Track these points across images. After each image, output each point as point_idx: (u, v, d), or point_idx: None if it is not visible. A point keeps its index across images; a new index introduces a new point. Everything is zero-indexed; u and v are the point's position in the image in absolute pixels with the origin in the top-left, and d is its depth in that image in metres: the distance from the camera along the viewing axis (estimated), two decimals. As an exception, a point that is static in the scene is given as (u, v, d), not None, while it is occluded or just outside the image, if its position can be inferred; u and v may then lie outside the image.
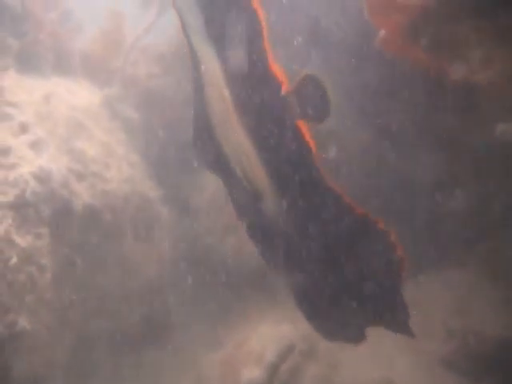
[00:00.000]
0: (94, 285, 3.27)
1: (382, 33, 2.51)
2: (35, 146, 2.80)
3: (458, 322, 3.71)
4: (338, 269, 2.30)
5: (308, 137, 2.11)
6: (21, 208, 2.62)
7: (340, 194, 2.14)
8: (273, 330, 3.65)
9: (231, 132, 2.13)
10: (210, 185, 4.10)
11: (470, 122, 3.02)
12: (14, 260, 2.53)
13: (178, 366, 3.93)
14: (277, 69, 2.07)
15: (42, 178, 2.71)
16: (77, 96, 3.46)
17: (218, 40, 2.09)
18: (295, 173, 2.14)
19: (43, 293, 2.76)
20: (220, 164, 2.24)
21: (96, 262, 3.24)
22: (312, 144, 2.11)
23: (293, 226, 2.23)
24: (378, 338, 2.43)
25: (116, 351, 3.67)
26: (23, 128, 2.80)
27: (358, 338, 2.45)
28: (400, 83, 3.22)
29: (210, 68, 2.09)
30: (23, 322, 2.61)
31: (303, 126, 2.11)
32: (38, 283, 2.71)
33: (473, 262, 3.95)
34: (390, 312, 2.46)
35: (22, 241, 2.58)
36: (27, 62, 3.38)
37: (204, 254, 4.06)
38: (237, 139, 2.13)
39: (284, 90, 2.07)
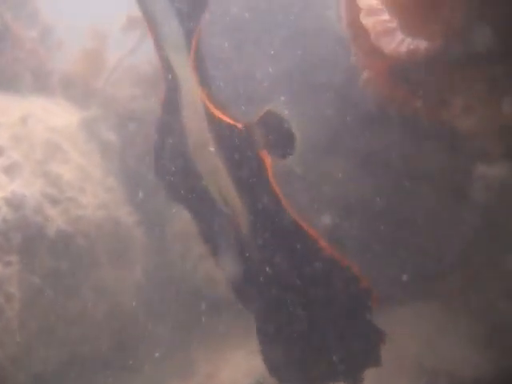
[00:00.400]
0: (63, 312, 3.18)
1: (366, 73, 2.51)
2: (9, 170, 2.72)
3: (429, 360, 3.71)
4: (302, 303, 2.29)
5: (268, 169, 2.11)
6: (-10, 235, 2.54)
7: (302, 226, 2.13)
8: (245, 363, 3.60)
9: (208, 155, 2.12)
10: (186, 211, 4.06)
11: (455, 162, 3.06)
12: (-19, 290, 2.45)
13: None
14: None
15: (15, 204, 2.63)
16: (54, 117, 3.39)
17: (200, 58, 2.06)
18: (260, 200, 2.13)
19: (9, 323, 2.67)
20: (193, 188, 2.23)
21: (67, 289, 3.16)
22: (270, 175, 2.11)
23: (260, 252, 2.22)
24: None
25: (84, 378, 3.58)
26: (-3, 151, 2.72)
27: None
28: (383, 122, 3.23)
29: (191, 90, 2.05)
30: (-14, 353, 2.52)
31: (265, 158, 2.11)
32: (5, 313, 2.62)
33: (447, 292, 3.96)
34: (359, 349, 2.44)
35: (-10, 270, 2.50)
36: (5, 81, 3.31)
37: (178, 281, 4.01)
38: (214, 163, 2.12)
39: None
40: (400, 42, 1.87)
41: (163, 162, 2.20)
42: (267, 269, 2.20)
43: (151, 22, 2.03)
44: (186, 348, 3.92)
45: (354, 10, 2.12)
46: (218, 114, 2.05)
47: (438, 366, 3.60)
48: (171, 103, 2.12)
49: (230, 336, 3.90)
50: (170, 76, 2.04)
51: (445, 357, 3.66)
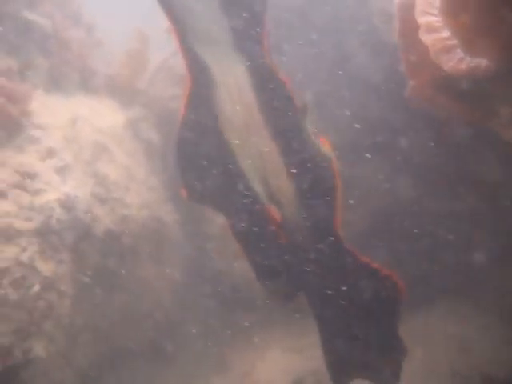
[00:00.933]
0: (108, 308, 3.27)
1: (413, 82, 2.53)
2: (61, 171, 2.81)
3: (463, 361, 3.72)
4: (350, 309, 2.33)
5: (328, 148, 2.11)
6: (45, 235, 2.63)
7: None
8: (281, 360, 3.66)
9: (255, 140, 2.10)
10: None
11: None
12: (37, 288, 2.54)
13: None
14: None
15: (67, 205, 2.72)
16: (101, 117, 3.47)
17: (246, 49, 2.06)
18: (316, 190, 2.13)
19: (61, 319, 2.76)
20: (224, 177, 2.20)
21: (112, 286, 3.25)
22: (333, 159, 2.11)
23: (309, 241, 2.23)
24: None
25: (124, 371, 3.68)
26: (50, 152, 2.81)
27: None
28: (424, 126, 3.25)
29: (231, 80, 2.06)
30: (39, 349, 2.61)
31: (323, 140, 2.11)
32: (57, 309, 2.71)
33: (481, 294, 3.96)
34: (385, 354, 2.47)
35: (45, 268, 2.59)
36: (54, 81, 3.39)
37: (214, 278, 4.07)
38: (261, 147, 2.10)
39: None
40: (460, 60, 1.90)
41: (189, 160, 2.18)
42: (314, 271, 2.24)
43: (178, 18, 2.05)
44: (221, 344, 3.99)
45: (407, 22, 2.14)
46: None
47: (472, 367, 3.62)
48: (200, 99, 2.12)
49: (266, 334, 3.97)
50: (199, 71, 2.04)
51: (478, 358, 3.67)
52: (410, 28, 2.11)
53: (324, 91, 3.54)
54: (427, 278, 3.73)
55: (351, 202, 2.86)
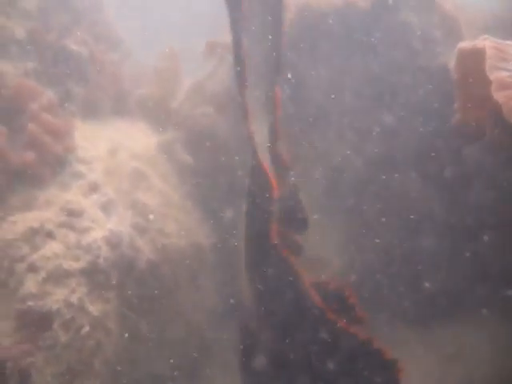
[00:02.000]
0: (146, 336, 3.26)
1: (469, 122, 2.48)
2: (105, 207, 2.79)
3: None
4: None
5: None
6: (93, 274, 2.62)
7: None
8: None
9: None
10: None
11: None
12: (86, 329, 2.53)
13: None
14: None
15: (113, 242, 2.70)
16: (136, 142, 3.44)
17: None
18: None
19: (107, 355, 2.75)
20: None
21: (150, 313, 3.24)
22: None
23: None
24: None
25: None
26: (94, 188, 2.79)
27: None
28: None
29: None
30: (88, 385, 2.62)
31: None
32: (104, 347, 2.70)
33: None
34: None
35: (94, 308, 2.58)
36: (90, 107, 3.36)
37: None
38: None
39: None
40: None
41: None
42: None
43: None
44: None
45: (467, 67, 2.10)
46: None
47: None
48: None
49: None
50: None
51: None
52: (467, 73, 2.08)
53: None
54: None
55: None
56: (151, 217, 3.15)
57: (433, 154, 3.15)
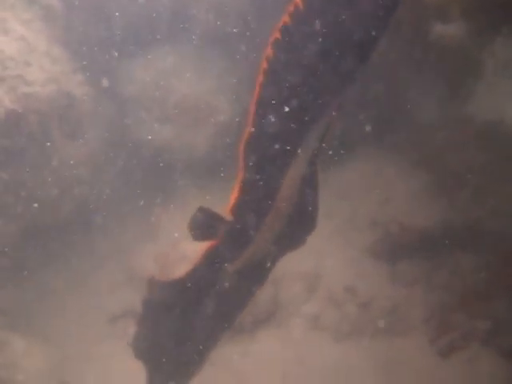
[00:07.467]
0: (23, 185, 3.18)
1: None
2: None
3: (382, 213, 3.87)
4: None
5: None
6: None
7: None
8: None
9: None
10: (140, 73, 3.93)
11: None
12: None
13: (111, 251, 3.96)
14: None
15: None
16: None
17: None
18: None
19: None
20: None
21: (20, 169, 3.13)
22: None
23: None
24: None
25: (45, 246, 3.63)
26: None
27: None
28: None
29: None
30: None
31: None
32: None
33: (396, 143, 4.03)
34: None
35: None
36: None
37: (135, 147, 3.97)
38: None
39: None
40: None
41: None
42: None
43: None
44: (145, 212, 3.96)
45: None
46: None
47: (390, 218, 3.79)
48: None
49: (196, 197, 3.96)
50: None
51: (396, 209, 3.83)
52: None
53: None
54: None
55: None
56: (8, 64, 2.94)
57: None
